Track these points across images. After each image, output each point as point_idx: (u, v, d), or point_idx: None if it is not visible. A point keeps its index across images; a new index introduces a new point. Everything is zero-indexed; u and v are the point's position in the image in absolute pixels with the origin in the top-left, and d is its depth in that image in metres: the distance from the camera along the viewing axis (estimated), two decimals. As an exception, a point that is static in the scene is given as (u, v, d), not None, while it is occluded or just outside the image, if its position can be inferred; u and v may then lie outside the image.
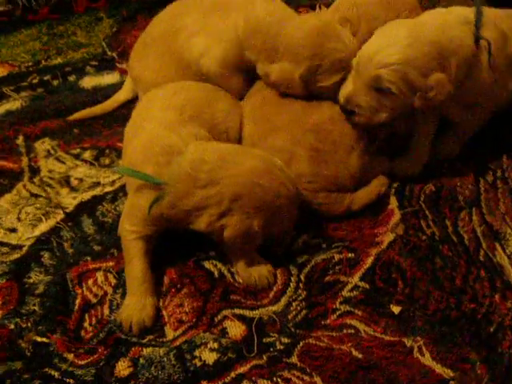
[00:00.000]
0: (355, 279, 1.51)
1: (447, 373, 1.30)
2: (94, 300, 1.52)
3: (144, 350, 1.40)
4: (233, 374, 1.33)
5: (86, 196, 1.81)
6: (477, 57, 1.61)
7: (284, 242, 1.58)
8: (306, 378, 1.31)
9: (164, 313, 1.48)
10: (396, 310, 1.44)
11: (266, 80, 1.76)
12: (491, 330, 1.37)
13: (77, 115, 2.09)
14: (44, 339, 1.43)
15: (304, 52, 1.70)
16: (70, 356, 1.39)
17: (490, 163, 1.80)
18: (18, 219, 1.77)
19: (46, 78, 2.33)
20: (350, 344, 1.36)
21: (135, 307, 1.46)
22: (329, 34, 1.71)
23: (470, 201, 1.69)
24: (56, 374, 1.35)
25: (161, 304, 1.50)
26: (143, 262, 1.52)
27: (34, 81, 2.32)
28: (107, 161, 1.92)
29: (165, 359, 1.36)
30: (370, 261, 1.55)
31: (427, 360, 1.32)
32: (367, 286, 1.49)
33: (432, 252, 1.56)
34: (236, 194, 1.42)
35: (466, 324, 1.39)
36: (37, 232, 1.72)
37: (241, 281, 1.53)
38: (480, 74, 1.63)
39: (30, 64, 2.44)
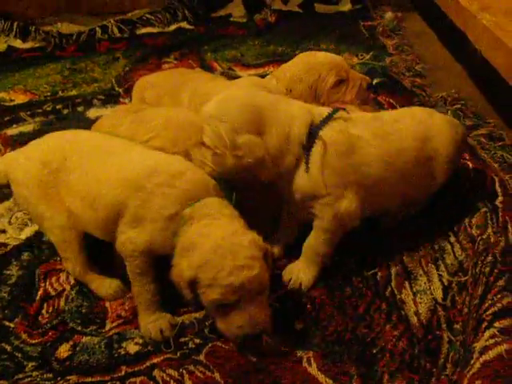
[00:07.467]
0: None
1: (328, 382, 1.51)
2: (54, 293, 1.82)
3: (84, 337, 1.67)
4: (148, 363, 1.58)
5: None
6: (308, 153, 1.61)
7: None
8: (208, 372, 1.54)
9: (109, 307, 1.77)
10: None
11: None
12: (374, 351, 1.58)
13: None
14: (6, 322, 1.72)
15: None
16: (24, 335, 1.68)
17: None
18: (9, 223, 2.10)
19: (58, 107, 2.71)
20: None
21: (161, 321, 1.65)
22: None
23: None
24: (8, 348, 1.64)
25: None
26: (152, 276, 1.66)
27: (48, 108, 2.71)
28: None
29: (97, 346, 1.63)
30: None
31: (313, 370, 1.53)
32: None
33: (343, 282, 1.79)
34: None
35: (355, 345, 1.60)
36: (23, 235, 2.05)
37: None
38: (299, 174, 1.64)
39: (49, 94, 2.83)
